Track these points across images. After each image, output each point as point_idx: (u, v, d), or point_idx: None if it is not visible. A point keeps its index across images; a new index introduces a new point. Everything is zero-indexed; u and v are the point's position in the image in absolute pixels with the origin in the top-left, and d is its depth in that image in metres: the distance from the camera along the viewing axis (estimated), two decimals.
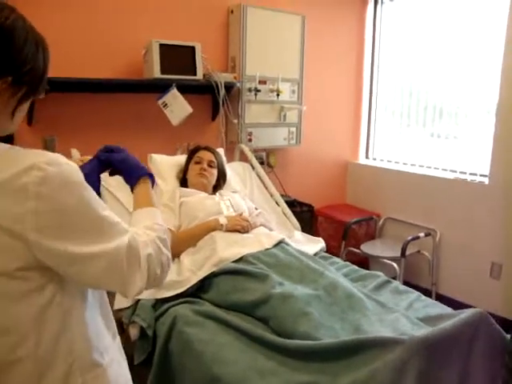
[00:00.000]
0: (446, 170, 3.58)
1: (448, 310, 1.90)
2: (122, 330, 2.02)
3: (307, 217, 3.56)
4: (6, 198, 0.83)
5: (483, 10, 3.25)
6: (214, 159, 2.62)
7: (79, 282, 0.96)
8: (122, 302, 2.00)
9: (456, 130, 3.61)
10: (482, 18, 3.26)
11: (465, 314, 1.55)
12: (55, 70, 2.51)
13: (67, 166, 0.89)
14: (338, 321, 1.70)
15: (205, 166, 2.57)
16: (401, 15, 3.86)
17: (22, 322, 0.91)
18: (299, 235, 2.66)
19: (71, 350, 0.97)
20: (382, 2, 3.98)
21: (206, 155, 2.62)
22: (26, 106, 0.96)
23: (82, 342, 0.99)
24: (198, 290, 2.01)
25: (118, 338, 1.14)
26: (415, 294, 2.04)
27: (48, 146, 2.76)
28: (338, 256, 3.23)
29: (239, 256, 2.05)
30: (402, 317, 1.72)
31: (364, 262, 3.56)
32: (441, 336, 1.41)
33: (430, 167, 3.70)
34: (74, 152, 2.48)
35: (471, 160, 3.44)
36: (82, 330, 0.99)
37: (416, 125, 3.86)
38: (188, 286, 1.98)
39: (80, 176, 0.92)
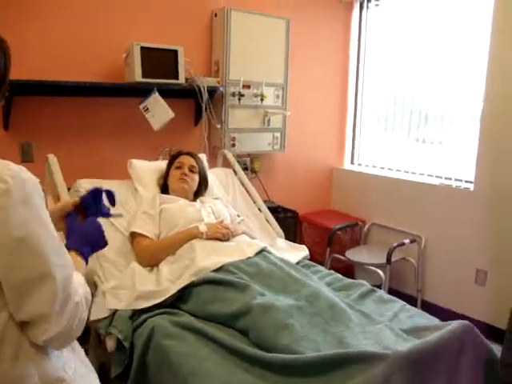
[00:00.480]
0: (431, 175, 3.56)
1: (433, 320, 1.87)
2: (100, 341, 1.97)
3: (291, 223, 3.52)
4: None
5: (468, 16, 3.25)
6: (195, 164, 2.57)
7: (17, 302, 0.91)
8: (98, 313, 1.93)
9: (441, 136, 3.60)
10: (467, 24, 3.26)
11: (451, 326, 1.52)
12: (34, 73, 2.50)
13: (30, 180, 0.91)
14: (320, 333, 1.65)
15: (186, 171, 2.51)
16: (386, 20, 3.84)
17: None
18: (282, 243, 2.60)
19: (29, 369, 0.95)
20: (367, 7, 3.96)
21: (187, 160, 2.56)
22: None
23: (41, 360, 0.97)
24: (177, 301, 1.95)
25: (79, 351, 1.14)
26: (400, 303, 2.00)
27: (25, 152, 2.69)
28: (322, 263, 3.20)
29: (219, 265, 2.00)
30: (386, 328, 1.68)
31: (349, 268, 3.52)
32: (425, 350, 1.37)
33: (415, 173, 3.68)
34: (51, 157, 2.40)
35: (456, 166, 3.43)
36: (40, 348, 0.98)
37: (401, 130, 3.84)
38: (167, 296, 1.92)
39: (40, 193, 0.93)
